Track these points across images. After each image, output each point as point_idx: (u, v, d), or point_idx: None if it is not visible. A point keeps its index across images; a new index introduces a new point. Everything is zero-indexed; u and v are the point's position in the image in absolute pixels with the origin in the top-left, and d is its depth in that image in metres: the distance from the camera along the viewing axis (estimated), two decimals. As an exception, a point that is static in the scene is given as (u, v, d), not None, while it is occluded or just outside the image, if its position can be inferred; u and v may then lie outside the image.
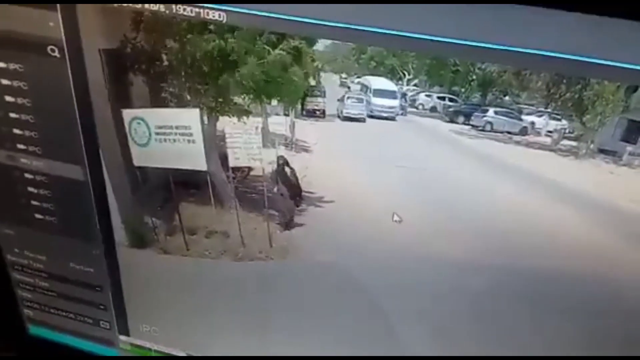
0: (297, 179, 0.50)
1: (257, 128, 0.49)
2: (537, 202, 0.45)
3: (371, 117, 0.49)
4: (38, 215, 0.62)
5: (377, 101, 0.49)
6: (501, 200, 0.46)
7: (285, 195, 0.52)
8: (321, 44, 0.44)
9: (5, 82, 0.53)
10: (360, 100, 0.50)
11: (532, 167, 0.45)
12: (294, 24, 0.42)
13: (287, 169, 0.50)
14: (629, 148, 0.41)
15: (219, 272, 0.60)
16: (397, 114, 0.48)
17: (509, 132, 0.45)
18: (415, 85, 0.46)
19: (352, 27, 0.41)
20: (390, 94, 0.48)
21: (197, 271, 0.61)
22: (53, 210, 0.61)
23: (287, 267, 0.57)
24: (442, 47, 0.40)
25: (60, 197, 0.60)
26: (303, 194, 0.51)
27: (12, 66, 0.52)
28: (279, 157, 0.50)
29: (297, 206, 0.52)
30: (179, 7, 0.43)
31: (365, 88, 0.48)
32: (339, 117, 0.49)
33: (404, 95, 0.47)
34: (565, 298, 0.48)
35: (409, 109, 0.47)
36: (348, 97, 0.49)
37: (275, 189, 0.52)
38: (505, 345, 0.53)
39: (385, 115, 0.48)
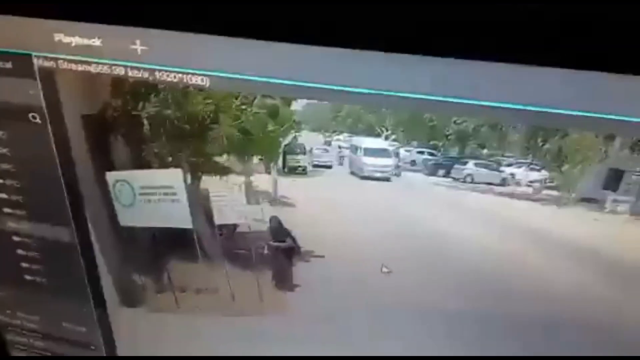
0: (294, 239, 0.50)
1: (240, 186, 0.49)
2: (523, 251, 0.45)
3: (364, 178, 0.48)
4: (28, 277, 0.62)
5: (369, 160, 0.48)
6: (487, 250, 0.46)
7: (281, 256, 0.52)
8: (298, 103, 0.44)
9: (-12, 148, 0.53)
10: (325, 150, 0.49)
11: (516, 217, 0.45)
12: (273, 86, 0.42)
13: (281, 229, 0.49)
14: (611, 196, 0.41)
15: (209, 327, 0.60)
16: (392, 174, 0.47)
17: (490, 184, 0.45)
18: (394, 140, 0.46)
19: (326, 86, 0.41)
20: (383, 153, 0.47)
21: (189, 327, 0.60)
22: (43, 272, 0.61)
23: (278, 322, 0.57)
24: (416, 104, 0.40)
25: (49, 258, 0.60)
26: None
27: (-6, 133, 0.52)
28: (272, 218, 0.49)
29: (293, 265, 0.51)
30: (162, 73, 0.43)
31: (355, 148, 0.48)
32: (314, 167, 0.49)
33: (397, 153, 0.47)
34: (555, 344, 0.48)
35: (403, 167, 0.46)
36: (316, 148, 0.49)
37: (267, 249, 0.52)
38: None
39: (378, 175, 0.48)
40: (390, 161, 0.48)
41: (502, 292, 0.47)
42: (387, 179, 0.48)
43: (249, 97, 0.45)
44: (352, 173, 0.49)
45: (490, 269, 0.46)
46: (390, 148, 0.47)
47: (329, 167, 0.49)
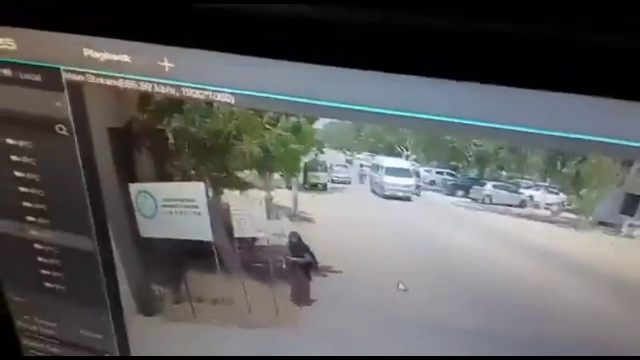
0: (312, 255, 0.50)
1: (260, 201, 0.50)
2: (540, 272, 0.45)
3: (385, 197, 0.49)
4: (48, 284, 0.63)
5: (390, 180, 0.49)
6: (503, 270, 0.46)
7: (299, 271, 0.53)
8: (321, 122, 0.45)
9: (15, 158, 0.55)
10: (345, 167, 0.50)
11: (533, 239, 0.45)
12: (297, 105, 0.43)
13: (300, 244, 0.50)
14: (628, 220, 0.42)
15: (225, 338, 0.60)
16: (413, 193, 0.48)
17: (508, 205, 0.45)
18: (414, 160, 0.46)
19: (349, 106, 0.42)
20: (404, 172, 0.48)
21: (204, 338, 0.61)
22: (62, 279, 0.62)
23: (294, 335, 0.57)
24: (437, 125, 0.41)
25: (69, 266, 0.61)
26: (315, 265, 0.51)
27: (21, 143, 0.54)
28: (292, 233, 0.50)
29: (310, 280, 0.52)
30: (188, 90, 0.44)
31: (376, 167, 0.49)
32: (332, 182, 0.50)
33: (417, 173, 0.48)
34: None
35: (423, 186, 0.47)
36: (336, 165, 0.50)
37: (286, 265, 0.53)
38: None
39: (399, 194, 0.48)
40: (411, 181, 0.48)
41: (518, 312, 0.47)
42: (408, 199, 0.49)
43: (273, 115, 0.46)
44: (373, 191, 0.50)
45: (507, 290, 0.47)
46: (411, 168, 0.48)
47: (348, 183, 0.49)
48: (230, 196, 0.51)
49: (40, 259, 0.61)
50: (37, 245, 0.60)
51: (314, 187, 0.50)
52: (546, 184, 0.44)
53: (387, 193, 0.49)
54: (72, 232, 0.58)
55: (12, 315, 0.68)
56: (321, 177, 0.50)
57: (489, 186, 0.47)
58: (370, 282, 0.52)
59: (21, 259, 0.62)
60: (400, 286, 0.50)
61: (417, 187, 0.48)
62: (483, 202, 0.47)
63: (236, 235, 0.53)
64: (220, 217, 0.53)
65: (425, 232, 0.48)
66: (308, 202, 0.50)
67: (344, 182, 0.50)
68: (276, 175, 0.50)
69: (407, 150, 0.46)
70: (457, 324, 0.50)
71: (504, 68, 0.38)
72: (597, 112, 0.37)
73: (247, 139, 0.47)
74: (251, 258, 0.55)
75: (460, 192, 0.47)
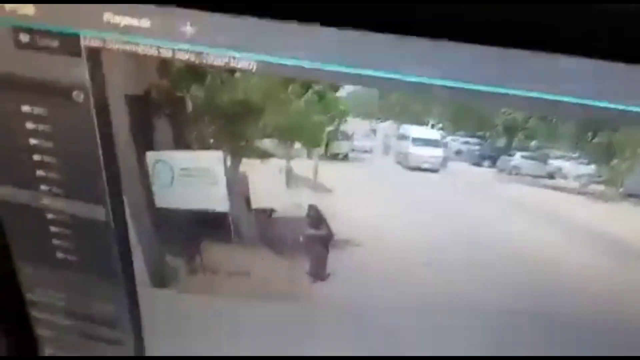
0: (329, 228, 0.50)
1: (280, 170, 0.49)
2: (566, 246, 0.45)
3: (411, 169, 0.48)
4: (59, 255, 0.62)
5: (417, 150, 0.48)
6: (529, 244, 0.45)
7: (316, 244, 0.52)
8: (345, 90, 0.44)
9: (30, 125, 0.54)
10: (367, 136, 0.49)
11: (561, 211, 0.45)
12: (321, 72, 0.42)
13: (318, 217, 0.49)
14: (658, 193, 0.41)
15: (239, 312, 0.60)
16: (440, 165, 0.47)
17: (536, 176, 0.44)
18: (441, 129, 0.46)
19: (375, 74, 0.41)
20: (432, 143, 0.47)
21: (218, 310, 0.61)
22: (74, 250, 0.61)
23: (309, 309, 0.57)
24: (465, 94, 0.40)
25: (82, 236, 0.60)
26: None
27: (36, 110, 0.53)
28: (310, 206, 0.49)
29: (327, 253, 0.51)
30: (210, 56, 0.43)
31: (402, 137, 0.48)
32: (352, 152, 0.49)
33: (445, 144, 0.46)
34: (598, 346, 0.47)
35: (449, 157, 0.46)
36: (358, 134, 0.49)
37: (303, 237, 0.52)
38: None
39: (425, 166, 0.47)
40: (439, 152, 0.47)
41: (543, 287, 0.47)
42: (435, 170, 0.48)
43: (296, 82, 0.45)
44: (398, 163, 0.49)
45: (532, 264, 0.46)
46: (440, 138, 0.47)
47: (370, 152, 0.48)
48: (248, 165, 0.51)
49: (52, 229, 0.60)
50: (49, 215, 0.59)
51: (335, 156, 0.49)
52: (576, 154, 0.43)
53: (412, 164, 0.48)
54: (86, 201, 0.57)
55: (22, 286, 0.67)
56: (343, 146, 0.49)
57: (517, 156, 0.46)
58: (390, 256, 0.51)
59: (33, 229, 0.61)
60: (422, 260, 0.49)
61: (445, 158, 0.47)
62: (510, 173, 0.46)
63: (253, 205, 0.53)
64: (238, 187, 0.52)
65: (450, 204, 0.47)
66: (328, 172, 0.49)
67: (365, 152, 0.49)
68: (297, 145, 0.49)
69: (433, 119, 0.45)
70: (480, 299, 0.50)
71: (534, 34, 0.37)
72: (631, 81, 0.36)
73: (268, 107, 0.46)
74: (268, 229, 0.54)
75: (487, 163, 0.46)
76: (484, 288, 0.49)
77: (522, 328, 0.50)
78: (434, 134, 0.47)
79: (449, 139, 0.47)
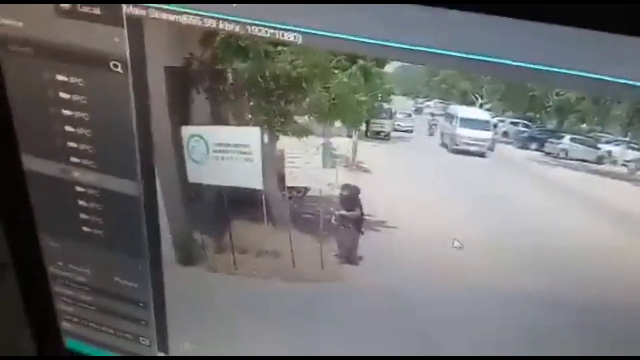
0: (362, 209, 0.49)
1: (317, 148, 0.49)
2: (609, 234, 0.44)
3: (456, 152, 0.46)
4: (86, 229, 0.62)
5: (464, 132, 0.46)
6: (570, 230, 0.45)
7: (348, 226, 0.51)
8: (391, 66, 0.43)
9: (64, 95, 0.53)
10: (408, 115, 0.48)
11: (605, 197, 0.44)
12: (367, 46, 0.41)
13: (352, 197, 0.48)
14: None
15: (265, 292, 0.60)
16: (487, 149, 0.45)
17: (583, 160, 0.44)
18: (488, 109, 0.45)
19: (425, 49, 0.40)
20: (482, 125, 0.46)
21: (244, 290, 0.60)
22: (102, 224, 0.61)
23: (338, 292, 0.56)
24: (519, 72, 0.39)
25: (111, 211, 0.59)
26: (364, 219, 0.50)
27: (72, 80, 0.52)
28: (344, 185, 0.48)
29: (359, 237, 0.50)
30: (254, 28, 0.43)
31: (450, 118, 0.47)
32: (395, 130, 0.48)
33: (495, 125, 0.45)
34: (625, 335, 0.47)
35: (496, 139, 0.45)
36: (399, 112, 0.47)
37: (335, 219, 0.51)
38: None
39: (472, 149, 0.46)
40: (488, 134, 0.46)
41: (581, 275, 0.46)
42: (482, 155, 0.46)
43: (341, 57, 0.44)
44: (443, 145, 0.48)
45: (570, 250, 0.45)
46: (490, 119, 0.45)
47: (410, 132, 0.47)
48: (286, 142, 0.50)
49: (81, 202, 0.60)
50: (78, 188, 0.59)
51: (376, 135, 0.48)
52: (627, 139, 0.42)
53: (458, 147, 0.47)
54: (117, 175, 0.56)
55: (45, 260, 0.67)
56: (385, 125, 0.48)
57: (566, 139, 0.45)
58: (424, 239, 0.50)
59: (61, 202, 0.61)
60: (456, 243, 0.49)
61: (493, 141, 0.46)
62: (557, 157, 0.45)
63: (288, 184, 0.52)
64: (273, 164, 0.51)
65: (492, 188, 0.46)
66: (368, 151, 0.49)
67: (408, 132, 0.48)
68: (337, 122, 0.48)
69: (481, 98, 0.44)
70: (513, 285, 0.49)
71: (592, 11, 0.36)
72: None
73: (311, 82, 0.46)
74: (301, 209, 0.54)
75: (534, 145, 0.45)
76: (515, 274, 0.49)
77: (555, 320, 0.49)
78: (484, 114, 0.45)
79: (496, 119, 0.46)
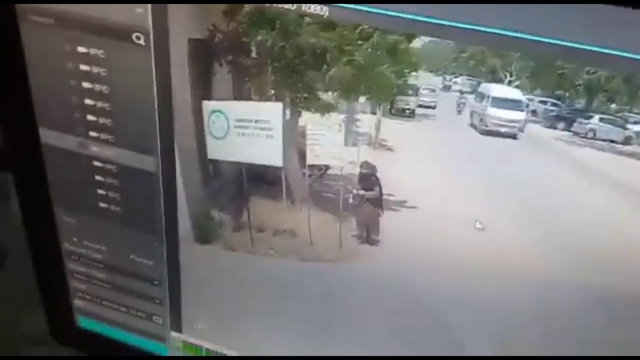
0: (381, 189, 0.48)
1: (340, 125, 0.48)
2: (633, 217, 0.43)
3: (487, 132, 0.45)
4: (102, 205, 0.61)
5: (495, 112, 0.45)
6: (594, 212, 0.44)
7: (367, 206, 0.51)
8: (419, 41, 0.42)
9: (84, 67, 0.53)
10: (432, 90, 0.47)
11: (633, 179, 0.43)
12: (395, 20, 0.41)
13: (373, 177, 0.48)
14: None
15: (282, 272, 0.59)
16: (519, 130, 0.44)
17: (611, 141, 0.43)
18: (516, 87, 0.44)
19: (454, 24, 0.40)
20: (514, 105, 0.44)
21: (260, 269, 0.60)
22: (119, 200, 0.60)
23: (356, 271, 0.56)
24: (550, 49, 0.38)
25: (128, 187, 0.59)
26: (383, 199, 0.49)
27: (93, 51, 0.52)
28: (363, 163, 0.48)
29: (380, 215, 0.50)
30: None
31: (480, 96, 0.45)
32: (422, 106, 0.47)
33: (527, 105, 0.43)
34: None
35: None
36: (423, 88, 0.46)
37: (354, 198, 0.51)
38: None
39: (503, 130, 0.45)
40: (521, 115, 0.44)
41: (603, 261, 0.45)
42: (513, 136, 0.45)
43: (369, 31, 0.43)
44: (472, 125, 0.47)
45: (593, 234, 0.44)
46: (524, 99, 0.44)
47: (440, 111, 0.46)
48: (308, 119, 0.49)
49: (98, 178, 0.60)
50: (96, 163, 0.59)
51: (400, 112, 0.48)
52: (657, 119, 0.42)
53: (489, 128, 0.46)
54: (136, 150, 0.56)
55: (60, 237, 0.67)
56: (410, 102, 0.47)
57: (595, 119, 0.44)
58: (444, 219, 0.50)
59: (77, 177, 0.61)
60: (478, 225, 0.48)
61: (525, 122, 0.44)
62: (585, 137, 0.44)
63: (308, 162, 0.52)
64: (294, 141, 0.51)
65: (516, 167, 0.45)
66: (391, 129, 0.48)
67: (429, 107, 0.47)
68: (362, 98, 0.47)
69: (510, 75, 0.43)
70: (535, 269, 0.48)
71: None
72: None
73: (337, 57, 0.45)
74: (321, 188, 0.53)
75: (562, 125, 0.45)
76: (536, 257, 0.48)
77: (579, 305, 0.48)
78: (517, 94, 0.44)
79: (527, 99, 0.45)
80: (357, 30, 0.44)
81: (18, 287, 0.76)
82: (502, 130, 0.46)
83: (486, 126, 0.46)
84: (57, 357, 0.77)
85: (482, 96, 0.46)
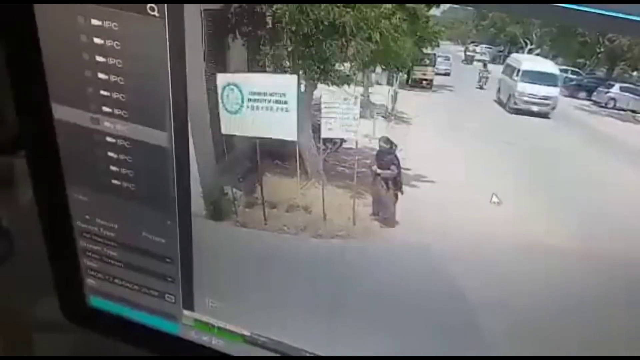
0: (399, 166, 0.47)
1: (356, 97, 0.47)
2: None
3: (516, 111, 0.43)
4: (115, 182, 0.61)
5: (526, 88, 0.43)
6: (614, 186, 0.43)
7: (384, 185, 0.50)
8: (439, 9, 0.42)
9: (97, 41, 0.53)
10: (446, 58, 0.46)
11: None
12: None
13: (390, 151, 0.47)
14: None
15: (295, 249, 0.59)
16: (552, 108, 0.41)
17: (632, 111, 0.42)
18: (536, 55, 0.43)
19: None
20: (548, 79, 0.42)
21: (273, 246, 0.60)
22: (131, 177, 0.60)
23: (370, 248, 0.55)
24: (571, 15, 0.37)
25: (141, 163, 0.59)
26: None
27: (107, 24, 0.51)
28: (381, 138, 0.47)
29: (397, 192, 0.49)
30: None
31: (511, 69, 0.44)
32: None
33: (562, 79, 0.41)
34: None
35: None
36: (438, 56, 0.45)
37: (371, 175, 0.50)
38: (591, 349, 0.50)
39: (535, 109, 0.43)
40: (555, 91, 0.43)
41: (623, 236, 0.44)
42: (545, 115, 0.43)
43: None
44: (498, 101, 0.45)
45: (612, 208, 0.44)
46: (559, 73, 0.42)
47: (447, 75, 0.45)
48: (323, 91, 0.49)
49: (110, 154, 0.59)
50: (109, 139, 0.58)
51: (418, 83, 0.47)
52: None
53: (519, 106, 0.44)
54: (149, 125, 0.56)
55: (72, 215, 0.67)
56: (428, 72, 0.47)
57: (615, 88, 0.43)
58: (461, 193, 0.49)
59: (90, 153, 0.60)
60: (494, 199, 0.47)
61: (557, 99, 0.42)
62: (606, 106, 0.43)
63: (323, 135, 0.51)
64: (309, 114, 0.51)
65: (535, 137, 0.45)
66: (408, 101, 0.47)
67: (444, 74, 0.46)
68: (378, 68, 0.47)
69: (531, 43, 0.43)
70: (553, 244, 0.47)
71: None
72: None
73: (354, 24, 0.44)
74: (335, 162, 0.53)
75: (582, 94, 0.44)
76: (554, 232, 0.47)
77: (597, 279, 0.48)
78: (551, 66, 0.42)
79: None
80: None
81: (26, 273, 0.76)
82: (535, 109, 0.44)
83: (515, 104, 0.44)
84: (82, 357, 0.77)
85: (512, 69, 0.44)
